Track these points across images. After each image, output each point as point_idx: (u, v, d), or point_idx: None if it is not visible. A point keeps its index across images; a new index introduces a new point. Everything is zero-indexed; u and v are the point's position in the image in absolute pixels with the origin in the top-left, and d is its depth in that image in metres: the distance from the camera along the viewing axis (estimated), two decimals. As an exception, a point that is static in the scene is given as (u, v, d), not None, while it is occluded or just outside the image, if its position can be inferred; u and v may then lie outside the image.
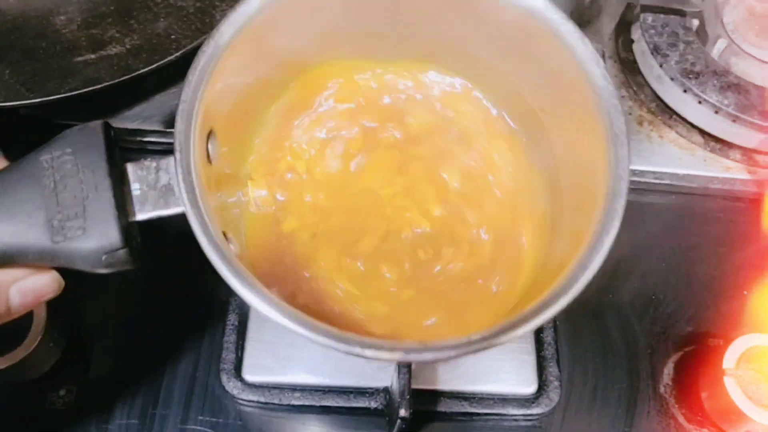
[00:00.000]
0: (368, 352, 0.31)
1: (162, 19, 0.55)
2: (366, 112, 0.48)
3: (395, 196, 0.47)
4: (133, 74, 0.51)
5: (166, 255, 0.53)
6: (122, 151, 0.36)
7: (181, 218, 0.34)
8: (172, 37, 0.54)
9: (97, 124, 0.34)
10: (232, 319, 0.51)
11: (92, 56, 0.53)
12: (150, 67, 0.51)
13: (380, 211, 0.47)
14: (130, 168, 0.34)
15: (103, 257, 0.32)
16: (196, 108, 0.36)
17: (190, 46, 0.52)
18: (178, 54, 0.52)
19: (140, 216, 0.34)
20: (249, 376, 0.49)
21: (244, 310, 0.51)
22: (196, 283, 0.53)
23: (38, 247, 0.31)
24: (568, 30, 0.38)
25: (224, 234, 0.37)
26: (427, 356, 0.32)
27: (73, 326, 0.50)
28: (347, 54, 0.48)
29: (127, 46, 0.53)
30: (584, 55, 0.38)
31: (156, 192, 0.34)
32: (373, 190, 0.47)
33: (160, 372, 0.50)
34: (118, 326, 0.52)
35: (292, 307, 0.33)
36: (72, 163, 0.32)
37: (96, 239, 0.31)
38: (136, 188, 0.34)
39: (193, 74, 0.37)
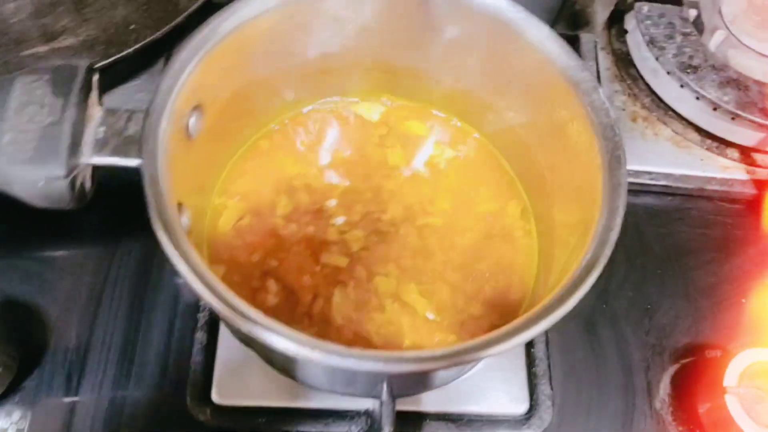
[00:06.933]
0: (336, 360, 0.30)
1: (120, 7, 0.50)
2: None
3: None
4: (88, 61, 0.46)
5: (126, 268, 0.50)
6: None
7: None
8: (132, 27, 0.49)
9: (82, 62, 0.34)
10: (200, 336, 0.47)
11: (43, 48, 0.48)
12: (106, 62, 0.46)
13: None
14: (102, 112, 0.35)
15: (41, 183, 0.32)
16: (186, 74, 0.36)
17: (151, 38, 0.48)
18: (137, 47, 0.47)
19: (95, 158, 0.34)
20: (218, 398, 0.45)
21: (213, 327, 0.47)
22: (160, 299, 0.49)
23: None
24: (585, 78, 0.37)
25: (179, 205, 0.36)
26: (406, 367, 0.30)
27: (24, 350, 0.46)
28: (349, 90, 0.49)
29: (82, 38, 0.49)
30: (597, 104, 0.37)
31: (119, 139, 0.34)
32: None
33: (122, 395, 0.46)
34: (72, 348, 0.47)
35: (223, 285, 0.31)
36: (44, 89, 0.33)
37: (38, 164, 0.31)
38: (100, 131, 0.34)
39: (194, 39, 0.37)
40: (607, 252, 0.33)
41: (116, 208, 0.47)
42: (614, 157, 0.35)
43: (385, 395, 0.38)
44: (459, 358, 0.30)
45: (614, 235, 0.34)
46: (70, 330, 0.48)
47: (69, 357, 0.47)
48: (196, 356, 0.47)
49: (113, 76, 0.53)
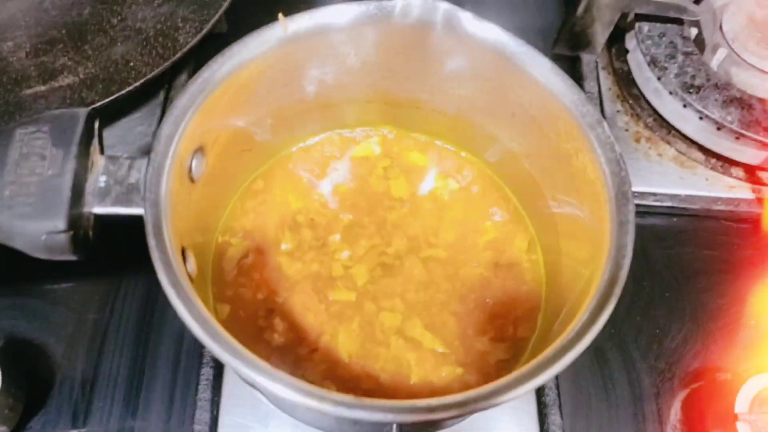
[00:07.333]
0: (344, 411, 0.29)
1: (119, 44, 0.50)
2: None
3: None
4: (88, 108, 0.46)
5: (131, 303, 0.50)
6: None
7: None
8: (131, 64, 0.49)
9: (82, 110, 0.34)
10: (206, 373, 0.47)
11: (42, 88, 0.48)
12: (106, 100, 0.46)
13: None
14: (103, 160, 0.35)
15: (43, 237, 0.31)
16: (186, 119, 0.35)
17: (150, 75, 0.47)
18: (137, 84, 0.47)
19: (97, 208, 0.34)
20: (226, 436, 0.45)
21: (218, 363, 0.47)
22: (165, 335, 0.49)
23: None
24: (588, 111, 0.37)
25: (183, 251, 0.35)
26: (417, 417, 0.30)
27: (30, 388, 0.46)
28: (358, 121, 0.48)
29: (81, 76, 0.48)
30: (602, 138, 0.36)
31: (121, 188, 0.34)
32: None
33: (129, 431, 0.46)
34: (78, 385, 0.47)
35: (226, 333, 0.31)
36: (44, 141, 0.32)
37: (39, 218, 0.31)
38: (102, 180, 0.34)
39: (194, 84, 0.36)
40: (618, 290, 0.33)
41: (120, 243, 0.47)
42: (621, 193, 0.35)
43: (394, 436, 0.37)
44: (470, 407, 0.30)
45: (623, 273, 0.33)
46: (75, 367, 0.48)
47: (75, 395, 0.47)
48: (202, 392, 0.46)
49: (114, 111, 0.53)
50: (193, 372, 0.47)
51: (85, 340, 0.49)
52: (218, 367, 0.47)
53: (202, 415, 0.45)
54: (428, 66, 0.43)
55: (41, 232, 0.31)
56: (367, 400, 0.29)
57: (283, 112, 0.44)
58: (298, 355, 0.42)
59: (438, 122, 0.47)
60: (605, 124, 0.37)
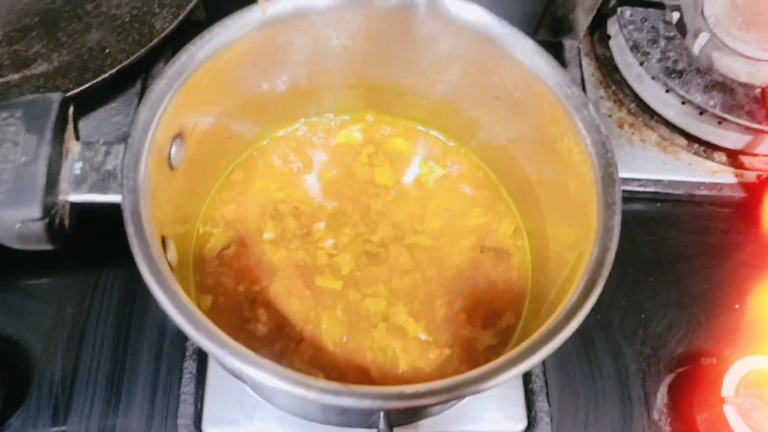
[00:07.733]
0: (331, 399, 0.29)
1: (94, 31, 0.49)
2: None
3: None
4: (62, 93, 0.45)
5: (110, 296, 0.49)
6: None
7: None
8: (107, 51, 0.48)
9: (55, 95, 0.33)
10: (190, 366, 0.46)
11: (15, 76, 0.46)
12: (81, 88, 0.45)
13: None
14: (78, 146, 0.34)
15: (17, 225, 0.31)
16: (164, 104, 0.35)
17: (126, 62, 0.46)
18: (113, 71, 0.46)
19: (73, 196, 0.33)
20: (210, 429, 0.44)
21: (202, 355, 0.46)
22: (147, 328, 0.48)
23: None
24: (574, 93, 0.37)
25: (163, 239, 0.35)
26: (405, 404, 0.29)
27: (8, 385, 0.44)
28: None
29: (55, 64, 0.47)
30: (587, 119, 0.36)
31: (98, 175, 0.33)
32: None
33: (111, 426, 0.45)
34: (58, 380, 0.46)
35: (208, 321, 0.30)
36: (17, 126, 0.31)
37: (13, 206, 0.30)
38: (77, 167, 0.33)
39: (172, 68, 0.36)
40: (605, 272, 0.33)
41: (98, 234, 0.46)
42: (607, 174, 0.35)
43: (382, 425, 0.37)
44: (458, 392, 0.29)
45: (611, 255, 0.33)
46: (54, 363, 0.47)
47: (55, 391, 0.46)
48: (186, 386, 0.45)
49: (89, 101, 0.52)
50: (176, 365, 0.46)
51: (63, 334, 0.48)
52: (202, 360, 0.46)
53: (186, 409, 0.45)
54: (411, 50, 0.42)
55: (15, 220, 0.30)
56: (355, 387, 0.29)
57: (264, 97, 0.43)
58: (284, 345, 0.41)
59: (421, 108, 0.46)
60: (591, 105, 0.36)
